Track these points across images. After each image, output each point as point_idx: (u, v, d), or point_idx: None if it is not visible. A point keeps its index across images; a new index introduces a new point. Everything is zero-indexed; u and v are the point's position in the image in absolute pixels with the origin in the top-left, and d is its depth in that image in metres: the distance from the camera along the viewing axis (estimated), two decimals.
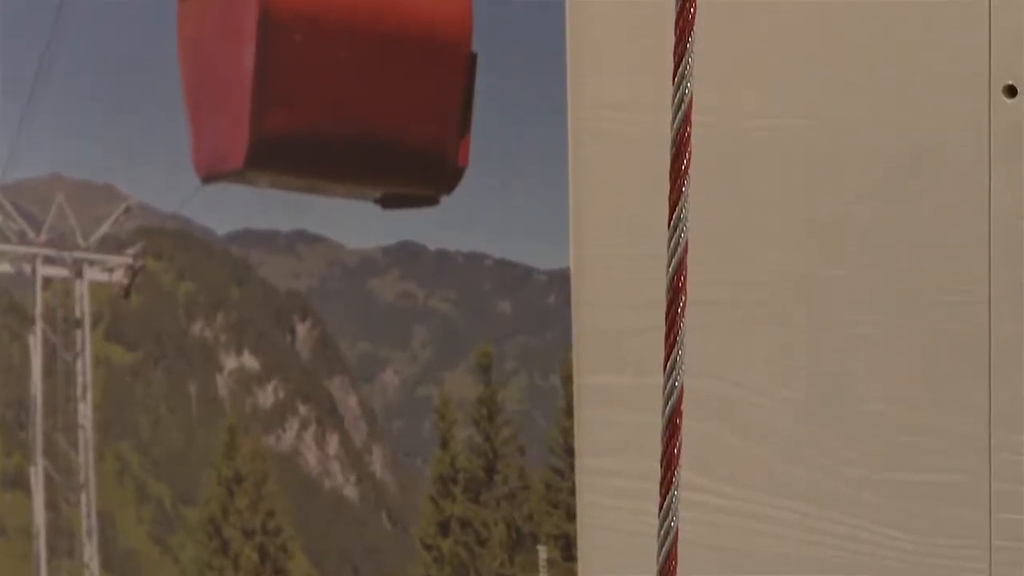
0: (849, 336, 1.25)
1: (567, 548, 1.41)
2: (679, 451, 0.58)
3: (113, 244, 1.74)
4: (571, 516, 1.40)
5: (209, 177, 1.63)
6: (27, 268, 1.79)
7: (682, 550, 0.59)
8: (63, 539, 1.80)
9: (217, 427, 1.67)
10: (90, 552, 1.78)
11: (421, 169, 1.50)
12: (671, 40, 0.59)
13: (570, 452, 1.40)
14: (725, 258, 1.30)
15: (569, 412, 1.40)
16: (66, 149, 1.73)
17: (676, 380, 0.58)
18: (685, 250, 0.58)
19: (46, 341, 1.79)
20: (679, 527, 0.58)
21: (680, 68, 0.58)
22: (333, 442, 1.61)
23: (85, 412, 1.77)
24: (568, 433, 1.40)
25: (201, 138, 1.63)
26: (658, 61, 1.23)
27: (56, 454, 1.81)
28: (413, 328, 1.54)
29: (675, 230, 0.57)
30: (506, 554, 1.46)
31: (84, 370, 1.77)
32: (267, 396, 1.64)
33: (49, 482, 1.81)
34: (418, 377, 1.54)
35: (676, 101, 0.58)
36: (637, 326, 1.35)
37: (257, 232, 1.62)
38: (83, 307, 1.77)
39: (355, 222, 1.56)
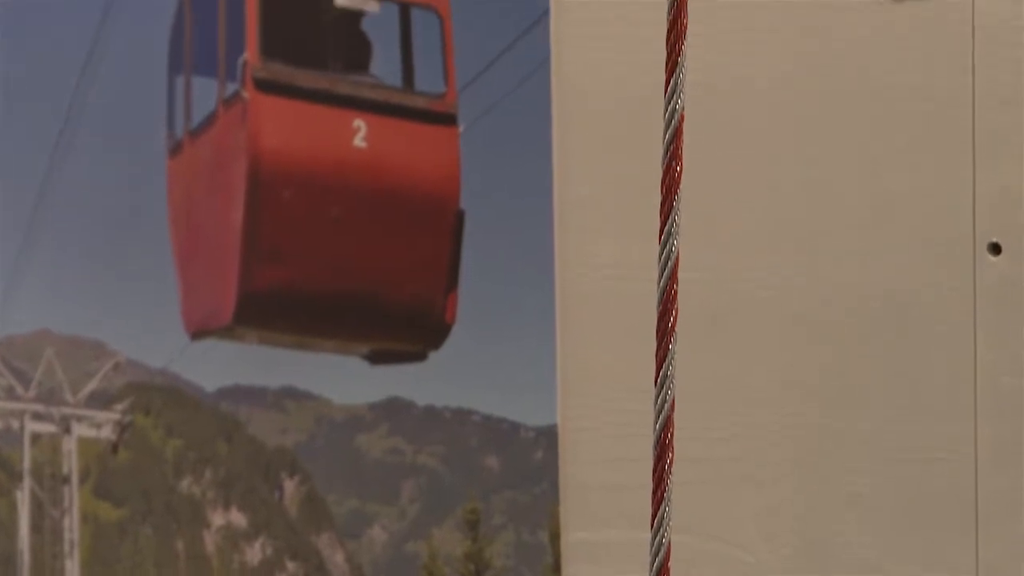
0: (837, 492, 1.24)
1: None
2: None
3: (102, 400, 1.74)
4: None
5: (198, 333, 1.63)
6: (15, 424, 1.78)
7: None
8: None
9: None
10: None
11: (409, 325, 1.51)
12: (658, 198, 0.60)
13: None
14: (713, 414, 1.30)
15: (557, 568, 1.39)
16: (56, 305, 1.73)
17: (664, 536, 0.58)
18: (672, 407, 0.58)
19: (33, 497, 1.79)
20: None
21: (666, 226, 0.59)
22: None
23: (72, 569, 1.76)
24: None
25: (190, 294, 1.64)
26: (645, 219, 1.25)
27: None
28: (401, 484, 1.54)
29: (662, 388, 0.58)
30: None
31: (71, 527, 1.76)
32: (255, 553, 1.63)
33: None
34: (406, 533, 1.53)
35: (663, 259, 0.58)
36: (624, 482, 1.35)
37: (245, 388, 1.62)
38: (71, 463, 1.76)
39: (343, 378, 1.56)
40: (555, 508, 1.39)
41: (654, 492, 0.58)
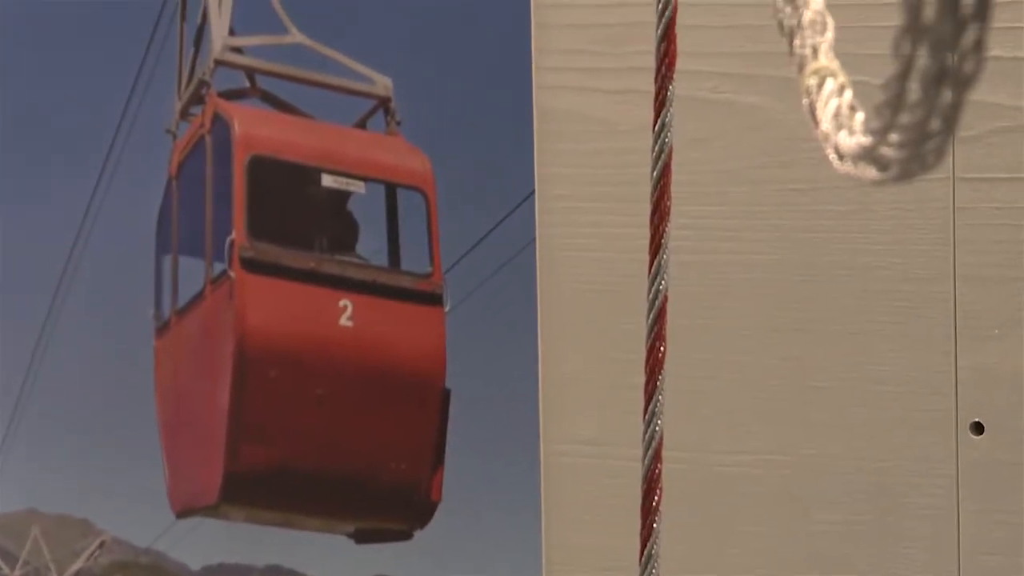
0: None
1: None
2: None
3: None
4: None
5: (184, 511, 1.63)
6: None
7: None
8: None
9: None
10: None
11: (395, 504, 1.50)
12: (643, 376, 0.61)
13: None
14: None
15: None
16: (43, 483, 1.73)
17: None
18: None
19: None
20: None
21: (650, 406, 0.60)
22: None
23: None
24: None
25: (176, 473, 1.63)
26: (630, 397, 1.25)
27: None
28: None
29: (646, 567, 0.58)
30: None
31: None
32: None
33: None
34: None
35: (646, 439, 0.59)
36: None
37: (231, 566, 1.62)
38: None
39: (329, 557, 1.55)
40: None
41: None
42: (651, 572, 0.58)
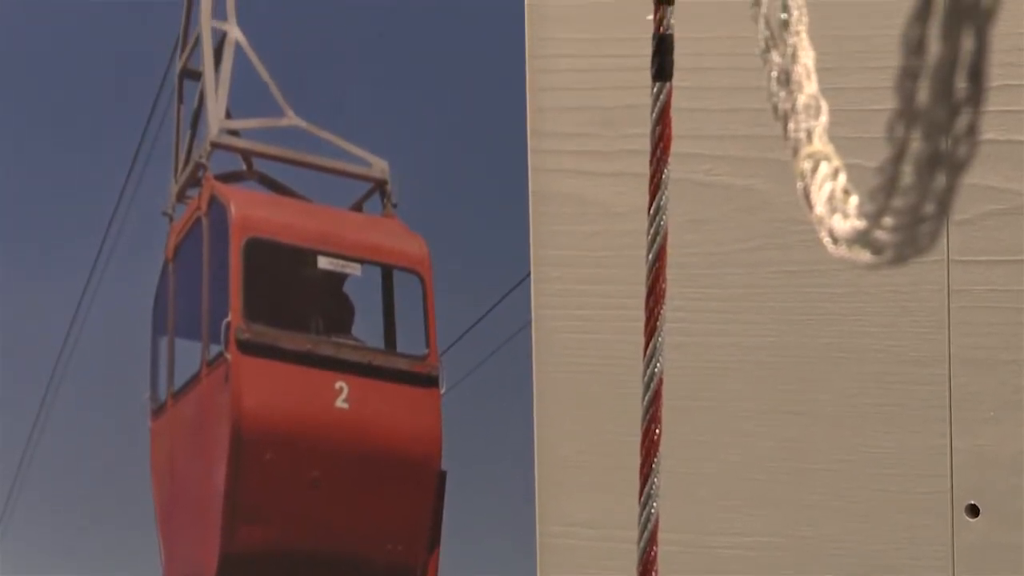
0: None
1: None
2: None
3: None
4: None
5: None
6: None
7: None
8: None
9: None
10: None
11: None
12: (638, 459, 0.61)
13: None
14: None
15: None
16: (39, 564, 1.72)
17: None
18: None
19: None
20: None
21: (646, 488, 0.60)
22: None
23: None
24: None
25: (172, 554, 1.63)
26: (626, 478, 1.25)
27: None
28: None
29: None
30: None
31: None
32: None
33: None
34: None
35: (642, 521, 0.59)
36: None
37: None
38: None
39: None
40: None
41: None
42: None
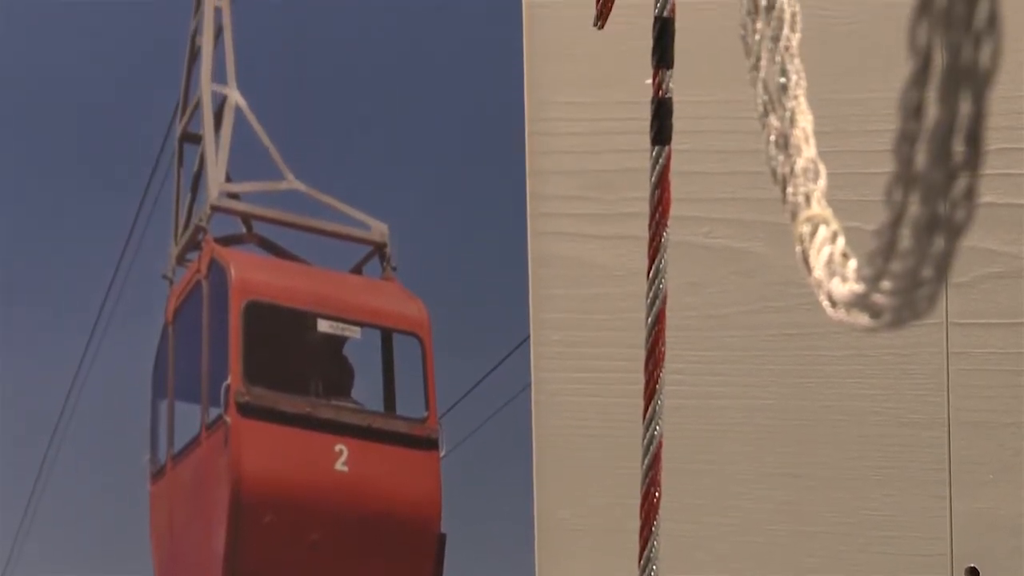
0: None
1: None
2: None
3: None
4: None
5: None
6: None
7: None
8: None
9: None
10: None
11: None
12: (637, 522, 0.61)
13: None
14: None
15: None
16: None
17: None
18: None
19: None
20: None
21: (645, 551, 0.60)
22: None
23: None
24: None
25: None
26: (626, 542, 1.25)
27: None
28: None
29: None
30: None
31: None
32: None
33: None
34: None
35: None
36: None
37: None
38: None
39: None
40: None
41: None
42: None
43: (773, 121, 0.59)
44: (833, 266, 0.48)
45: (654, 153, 0.66)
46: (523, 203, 1.42)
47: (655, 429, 0.64)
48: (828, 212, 0.51)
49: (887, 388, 1.23)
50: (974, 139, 0.41)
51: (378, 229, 1.51)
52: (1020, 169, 1.19)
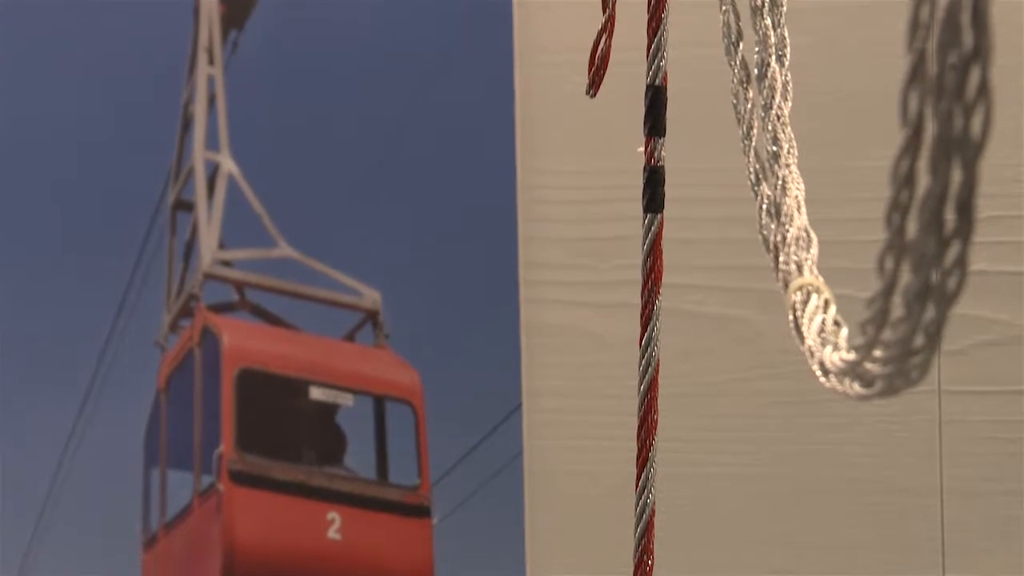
0: None
1: None
2: None
3: None
4: None
5: None
6: None
7: None
8: None
9: None
10: None
11: None
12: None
13: None
14: None
15: None
16: None
17: None
18: None
19: None
20: None
21: None
22: None
23: None
24: None
25: None
26: None
27: None
28: None
29: None
30: None
31: None
32: None
33: None
34: None
35: None
36: None
37: None
38: None
39: None
40: None
41: None
42: None
43: (765, 189, 0.59)
44: (825, 335, 0.48)
45: (646, 221, 0.66)
46: (515, 270, 1.42)
47: (648, 497, 0.64)
48: (820, 280, 0.51)
49: (880, 456, 1.23)
50: (965, 208, 0.41)
51: (371, 296, 1.51)
52: (1011, 237, 1.19)
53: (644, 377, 0.65)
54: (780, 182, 0.59)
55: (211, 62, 1.58)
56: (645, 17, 0.67)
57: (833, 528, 1.25)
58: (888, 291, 0.43)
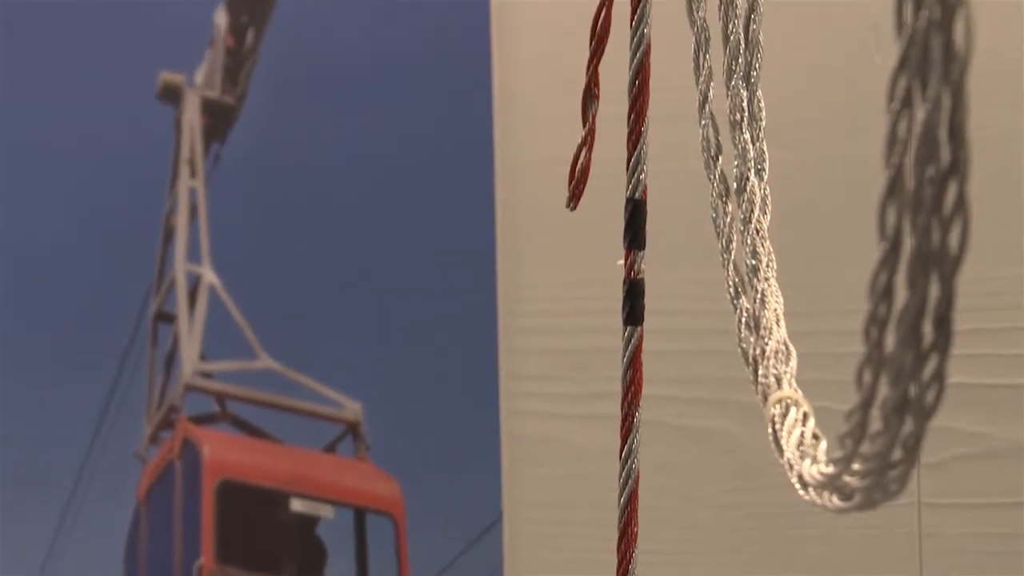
0: None
1: None
2: None
3: None
4: None
5: None
6: None
7: None
8: None
9: None
10: None
11: None
12: None
13: None
14: None
15: None
16: None
17: None
18: None
19: None
20: None
21: None
22: None
23: None
24: None
25: None
26: None
27: None
28: None
29: None
30: None
31: None
32: None
33: None
34: None
35: None
36: None
37: None
38: None
39: None
40: None
41: None
42: None
43: (744, 303, 0.60)
44: (804, 448, 0.49)
45: (626, 334, 0.67)
46: (496, 382, 1.42)
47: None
48: (799, 394, 0.51)
49: (860, 568, 1.23)
50: (943, 322, 0.41)
51: (352, 408, 1.51)
52: (989, 350, 1.19)
53: (624, 489, 0.66)
54: (759, 295, 0.60)
55: (193, 175, 1.59)
56: (625, 131, 0.67)
57: None
58: (867, 404, 0.43)
